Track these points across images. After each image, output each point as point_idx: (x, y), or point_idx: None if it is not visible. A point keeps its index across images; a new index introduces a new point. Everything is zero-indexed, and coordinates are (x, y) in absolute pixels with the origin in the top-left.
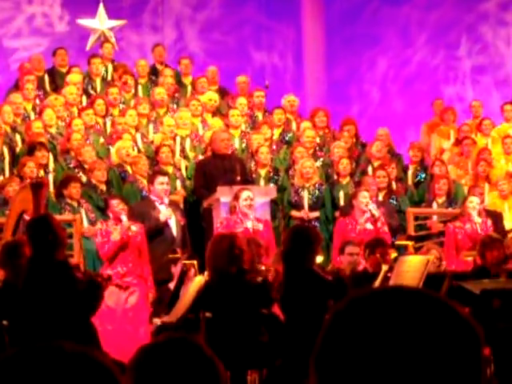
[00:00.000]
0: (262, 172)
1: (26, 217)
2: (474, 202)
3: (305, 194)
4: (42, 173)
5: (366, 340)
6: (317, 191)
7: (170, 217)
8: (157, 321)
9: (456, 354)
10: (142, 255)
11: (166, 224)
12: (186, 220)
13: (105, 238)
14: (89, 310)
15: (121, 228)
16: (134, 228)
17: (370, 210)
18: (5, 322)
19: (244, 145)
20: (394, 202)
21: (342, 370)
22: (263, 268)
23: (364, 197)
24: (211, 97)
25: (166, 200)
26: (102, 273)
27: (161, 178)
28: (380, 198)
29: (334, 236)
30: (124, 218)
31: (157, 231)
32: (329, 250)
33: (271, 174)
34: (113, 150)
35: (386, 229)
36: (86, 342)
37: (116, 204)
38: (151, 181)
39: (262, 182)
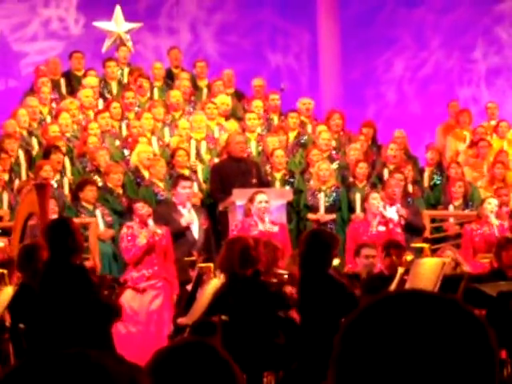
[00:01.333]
0: (278, 175)
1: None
2: (492, 204)
3: (321, 197)
4: (58, 176)
5: (382, 344)
6: (333, 194)
7: (191, 222)
8: (182, 320)
9: (470, 357)
10: (167, 258)
11: (187, 228)
12: (209, 223)
13: (130, 242)
14: (105, 320)
15: (147, 232)
16: (159, 231)
17: (380, 213)
18: (21, 325)
19: (260, 148)
20: (412, 203)
21: (359, 374)
22: (280, 271)
23: (374, 198)
24: (223, 100)
25: (189, 204)
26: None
27: (184, 183)
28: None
29: (347, 239)
30: (150, 222)
31: (178, 234)
32: (344, 253)
33: (287, 177)
34: (134, 153)
35: (398, 230)
36: (100, 346)
37: (141, 207)
38: (174, 185)
39: (277, 185)
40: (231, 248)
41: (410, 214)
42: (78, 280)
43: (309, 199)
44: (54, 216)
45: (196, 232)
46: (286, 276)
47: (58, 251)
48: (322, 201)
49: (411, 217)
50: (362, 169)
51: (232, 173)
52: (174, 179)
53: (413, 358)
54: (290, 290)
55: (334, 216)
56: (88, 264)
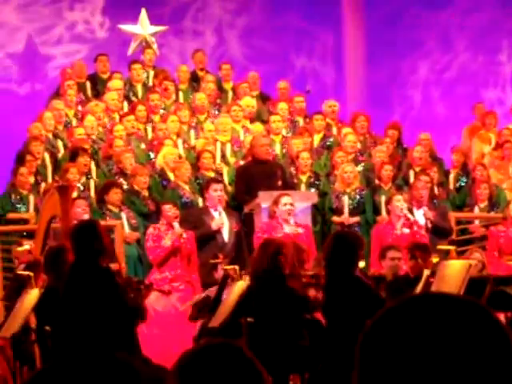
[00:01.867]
0: (303, 177)
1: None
2: None
3: (345, 199)
4: (84, 179)
5: (406, 346)
6: (357, 196)
7: (222, 225)
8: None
9: (492, 361)
10: (191, 263)
11: (218, 231)
12: (241, 226)
13: (156, 243)
14: (131, 322)
15: (172, 234)
16: (185, 235)
17: (405, 215)
18: (47, 328)
19: (285, 150)
20: (446, 205)
21: (382, 375)
22: (306, 273)
23: (398, 200)
24: (249, 103)
25: (220, 207)
26: (143, 280)
27: (215, 185)
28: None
29: (372, 241)
30: (176, 224)
31: (208, 237)
32: (369, 256)
33: (312, 180)
34: (159, 155)
35: (423, 232)
36: (126, 348)
37: (168, 209)
38: (206, 188)
39: (302, 188)
40: (264, 250)
41: (437, 216)
42: (104, 282)
43: (333, 202)
44: (86, 216)
45: (226, 235)
46: (311, 277)
47: (84, 253)
48: (347, 203)
49: (439, 219)
50: (387, 171)
51: (257, 175)
52: (206, 182)
53: (435, 361)
54: (313, 293)
55: (358, 218)
56: (113, 266)
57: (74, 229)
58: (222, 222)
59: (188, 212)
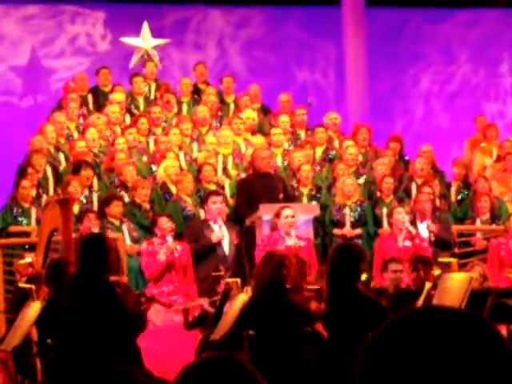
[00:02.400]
0: (304, 190)
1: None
2: None
3: (347, 212)
4: (86, 192)
5: (407, 358)
6: (358, 208)
7: (222, 238)
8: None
9: (493, 373)
10: (187, 275)
11: (218, 243)
12: (240, 239)
13: (151, 258)
14: (132, 332)
15: (166, 248)
16: (179, 247)
17: (406, 228)
18: (49, 341)
19: (286, 163)
20: (449, 217)
21: None
22: (308, 286)
23: (399, 213)
24: (249, 115)
25: (220, 220)
26: (145, 293)
27: (214, 198)
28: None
29: (374, 254)
30: (169, 238)
31: (208, 250)
32: (371, 268)
33: (313, 192)
34: (160, 168)
35: (425, 244)
36: (128, 360)
37: (164, 222)
38: (205, 200)
39: (304, 200)
40: (267, 262)
41: (440, 228)
42: (105, 296)
43: (334, 214)
44: (95, 230)
45: (227, 247)
46: (313, 291)
47: (88, 266)
48: (348, 216)
49: (442, 232)
50: (388, 184)
51: (258, 188)
52: (205, 195)
53: (437, 374)
54: (315, 305)
55: (360, 231)
56: (113, 278)
57: (82, 240)
58: (222, 234)
59: (188, 225)
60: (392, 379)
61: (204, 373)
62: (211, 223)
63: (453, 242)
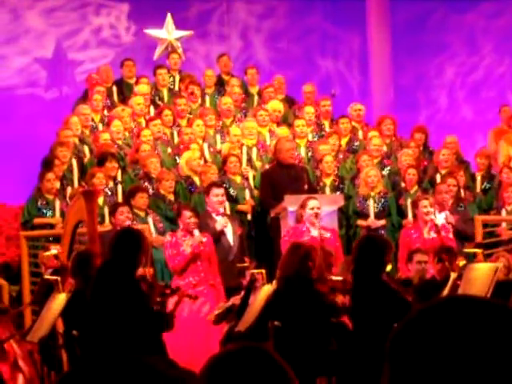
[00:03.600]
0: (328, 181)
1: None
2: None
3: (370, 203)
4: (111, 184)
5: (434, 349)
6: (382, 200)
7: (226, 225)
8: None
9: None
10: (212, 264)
11: (222, 233)
12: (243, 230)
13: (175, 251)
14: (156, 329)
15: (192, 241)
16: (204, 239)
17: (431, 220)
18: (75, 332)
19: (310, 154)
20: (467, 210)
21: (411, 378)
22: (333, 277)
23: (424, 206)
24: (276, 107)
25: (222, 210)
26: (170, 284)
27: (216, 190)
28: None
29: (400, 245)
30: (196, 232)
31: (214, 240)
32: (395, 259)
33: (336, 183)
34: (182, 160)
35: (450, 236)
36: (153, 351)
37: (188, 216)
38: (207, 192)
39: (327, 191)
40: (294, 253)
41: (459, 220)
42: (130, 292)
43: (358, 205)
44: (128, 223)
45: (231, 238)
46: (339, 282)
47: (118, 260)
48: (372, 207)
49: (460, 224)
50: (410, 175)
51: (283, 179)
52: (206, 187)
53: (463, 364)
54: (341, 299)
55: (384, 222)
56: (140, 271)
57: (119, 233)
58: (225, 221)
59: None
60: (420, 368)
61: (231, 363)
62: (213, 215)
63: (471, 235)
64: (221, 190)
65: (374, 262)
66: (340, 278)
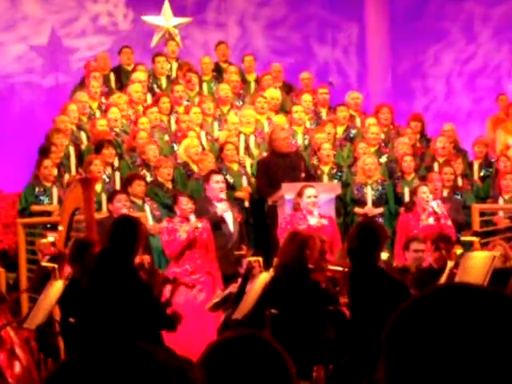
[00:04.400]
0: (325, 169)
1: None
2: None
3: (368, 191)
4: (109, 170)
5: (431, 336)
6: (379, 187)
7: (226, 210)
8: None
9: None
10: (209, 251)
11: (223, 220)
12: (243, 217)
13: (171, 236)
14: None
15: (188, 227)
16: (200, 225)
17: (432, 207)
18: (72, 320)
19: (307, 141)
20: (460, 198)
21: (409, 366)
22: (332, 267)
23: (423, 192)
24: (274, 95)
25: (222, 195)
26: (167, 275)
27: (216, 177)
28: (445, 194)
29: (397, 232)
30: (192, 217)
31: (215, 226)
32: (393, 247)
33: (334, 171)
34: (180, 147)
35: (449, 223)
36: (150, 340)
37: (185, 202)
38: (206, 180)
39: (325, 179)
40: (291, 241)
41: (450, 209)
42: (128, 280)
43: (355, 193)
44: (124, 211)
45: (231, 225)
46: (338, 272)
47: (116, 248)
48: (369, 195)
49: (452, 212)
50: (407, 162)
51: (279, 168)
52: (206, 174)
53: (461, 351)
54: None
55: (381, 209)
56: (138, 259)
57: (117, 220)
58: (226, 207)
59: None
60: (417, 355)
61: (229, 351)
62: (214, 202)
63: (462, 224)
64: (221, 177)
65: (370, 248)
66: (339, 268)
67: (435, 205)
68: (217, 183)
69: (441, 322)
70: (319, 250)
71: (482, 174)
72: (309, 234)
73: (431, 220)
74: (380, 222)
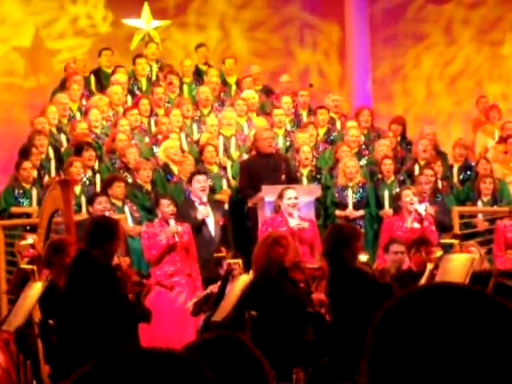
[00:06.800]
0: (305, 171)
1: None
2: None
3: (349, 193)
4: (89, 173)
5: (415, 336)
6: (360, 190)
7: (207, 215)
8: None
9: (501, 346)
10: (189, 254)
11: (203, 223)
12: (226, 220)
13: (151, 241)
14: (131, 320)
15: (169, 232)
16: (180, 229)
17: (415, 210)
18: (51, 321)
19: (288, 143)
20: (442, 201)
21: (392, 366)
22: (308, 265)
23: (407, 195)
24: (249, 96)
25: (205, 198)
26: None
27: (198, 177)
28: None
29: (381, 235)
30: (172, 222)
31: (195, 230)
32: (374, 249)
33: (313, 173)
34: (160, 149)
35: (433, 228)
36: (126, 342)
37: (166, 205)
38: (190, 180)
39: (304, 181)
40: (262, 243)
41: (438, 211)
42: (104, 281)
43: (336, 196)
44: (106, 213)
45: (212, 228)
46: (316, 270)
47: (93, 249)
48: (350, 197)
49: (439, 215)
50: (386, 165)
51: (261, 169)
52: (190, 176)
53: (444, 350)
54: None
55: (362, 212)
56: (115, 260)
57: (94, 221)
58: (207, 212)
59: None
60: (400, 356)
61: (206, 352)
62: (196, 204)
63: (449, 225)
64: (203, 177)
65: (341, 250)
66: (316, 266)
67: (423, 207)
68: (198, 183)
69: (426, 321)
70: (294, 248)
71: (461, 177)
72: (279, 233)
73: (416, 224)
74: (359, 226)
